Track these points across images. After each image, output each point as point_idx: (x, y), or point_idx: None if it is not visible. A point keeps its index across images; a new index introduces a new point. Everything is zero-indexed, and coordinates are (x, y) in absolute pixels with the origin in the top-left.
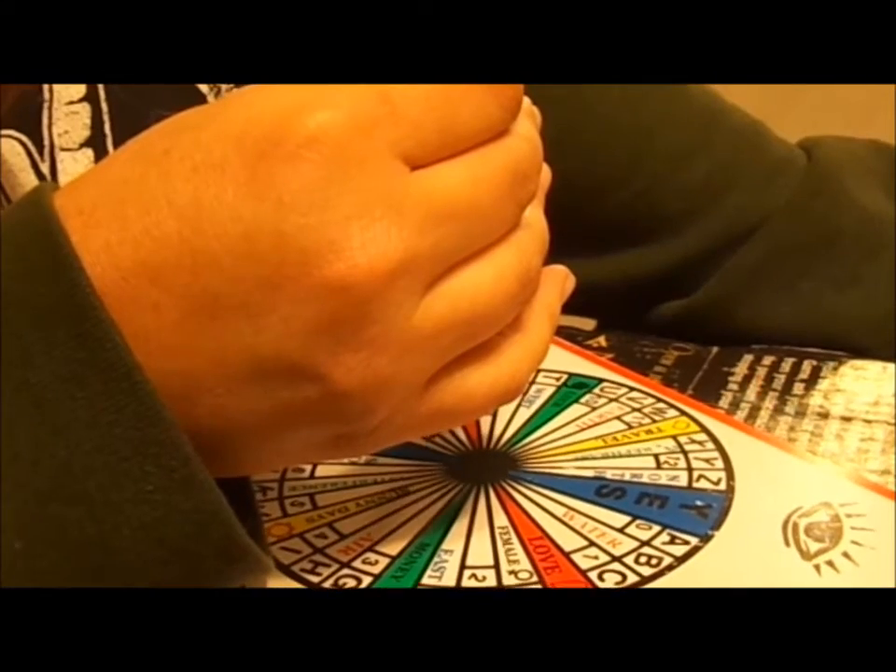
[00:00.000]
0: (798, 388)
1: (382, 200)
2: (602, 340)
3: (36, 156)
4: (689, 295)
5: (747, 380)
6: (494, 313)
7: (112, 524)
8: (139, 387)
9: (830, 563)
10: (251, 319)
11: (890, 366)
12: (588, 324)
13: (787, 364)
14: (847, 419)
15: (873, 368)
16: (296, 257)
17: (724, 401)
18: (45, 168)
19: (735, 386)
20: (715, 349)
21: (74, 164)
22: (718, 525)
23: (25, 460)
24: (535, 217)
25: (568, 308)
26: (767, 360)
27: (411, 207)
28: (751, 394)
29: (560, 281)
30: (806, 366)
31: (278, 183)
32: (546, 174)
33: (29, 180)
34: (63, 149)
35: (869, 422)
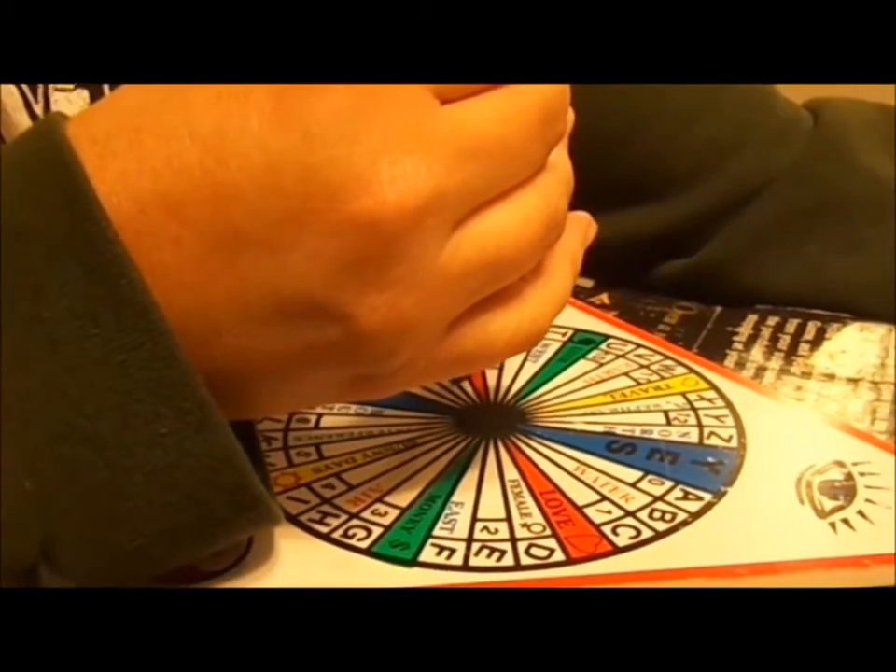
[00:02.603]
0: (804, 349)
1: (411, 133)
2: (605, 297)
3: (30, 96)
4: (691, 255)
5: (752, 340)
6: (519, 256)
7: (123, 467)
8: (155, 326)
9: (846, 521)
10: (274, 255)
11: None
12: (586, 282)
13: (791, 325)
14: (853, 381)
15: (878, 330)
16: (322, 190)
17: (730, 361)
18: (38, 109)
19: (739, 346)
20: (718, 309)
21: (68, 105)
22: (731, 481)
23: (37, 398)
24: (560, 160)
25: None
26: (772, 321)
27: (441, 142)
28: (757, 354)
29: (583, 227)
30: (811, 327)
31: (305, 113)
32: (571, 116)
33: (23, 120)
34: (57, 90)
35: (876, 383)
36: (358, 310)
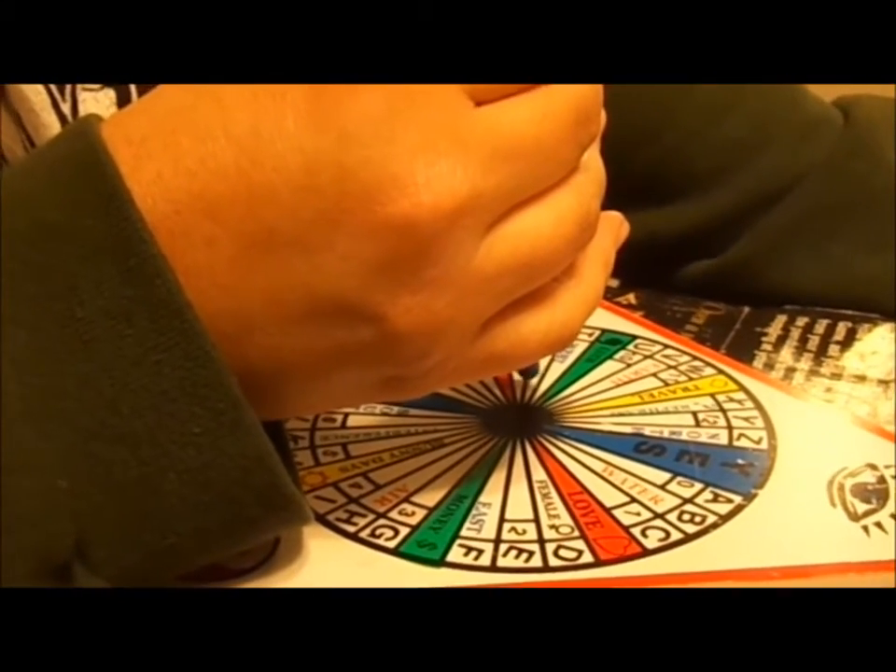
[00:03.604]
0: (833, 350)
1: (447, 134)
2: (631, 297)
3: (57, 95)
4: (717, 255)
5: (781, 340)
6: (553, 256)
7: (157, 466)
8: (189, 326)
9: (878, 524)
10: (308, 256)
11: None
12: (612, 282)
13: (821, 325)
14: (885, 382)
15: None
16: (357, 191)
17: (758, 362)
18: (66, 108)
19: (768, 347)
20: (746, 309)
21: (95, 105)
22: (761, 483)
23: (72, 397)
24: (593, 160)
25: None
26: (801, 321)
27: (476, 144)
28: (786, 355)
29: (615, 227)
30: (841, 328)
31: (341, 113)
32: (603, 117)
33: (51, 120)
34: (84, 89)
35: None
36: (392, 311)
